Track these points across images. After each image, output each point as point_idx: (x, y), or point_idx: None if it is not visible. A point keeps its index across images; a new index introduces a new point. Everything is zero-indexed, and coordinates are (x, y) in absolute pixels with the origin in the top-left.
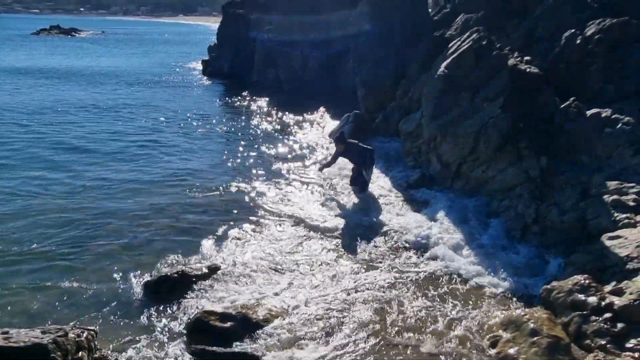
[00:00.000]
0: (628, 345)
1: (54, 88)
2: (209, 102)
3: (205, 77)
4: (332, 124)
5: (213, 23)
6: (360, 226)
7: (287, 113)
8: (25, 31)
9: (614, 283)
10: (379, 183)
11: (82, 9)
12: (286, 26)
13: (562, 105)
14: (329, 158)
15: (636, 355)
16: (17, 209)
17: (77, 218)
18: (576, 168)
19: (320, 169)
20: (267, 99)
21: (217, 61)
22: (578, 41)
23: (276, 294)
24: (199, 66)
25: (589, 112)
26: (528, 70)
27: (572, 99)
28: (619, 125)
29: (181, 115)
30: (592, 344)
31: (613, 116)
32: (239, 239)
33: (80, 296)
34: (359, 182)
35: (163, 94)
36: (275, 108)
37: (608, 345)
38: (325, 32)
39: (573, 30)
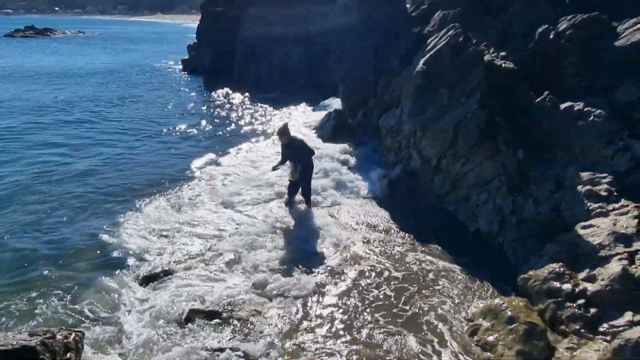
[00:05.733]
0: (600, 329)
1: (32, 88)
2: (188, 98)
3: (185, 75)
4: (313, 121)
5: (192, 22)
6: (341, 224)
7: (266, 109)
8: (0, 32)
9: (587, 270)
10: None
11: (57, 9)
12: (266, 21)
13: (537, 100)
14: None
15: (608, 338)
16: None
17: (60, 217)
18: (551, 160)
19: (274, 169)
20: (247, 94)
21: (197, 59)
22: (551, 36)
23: (262, 289)
24: (179, 64)
25: (562, 106)
26: (503, 65)
27: (546, 93)
28: (591, 118)
29: (160, 114)
30: (567, 329)
31: (585, 109)
32: (222, 236)
33: (69, 298)
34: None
35: (145, 93)
36: (254, 104)
37: (582, 330)
38: (305, 27)
39: (546, 26)
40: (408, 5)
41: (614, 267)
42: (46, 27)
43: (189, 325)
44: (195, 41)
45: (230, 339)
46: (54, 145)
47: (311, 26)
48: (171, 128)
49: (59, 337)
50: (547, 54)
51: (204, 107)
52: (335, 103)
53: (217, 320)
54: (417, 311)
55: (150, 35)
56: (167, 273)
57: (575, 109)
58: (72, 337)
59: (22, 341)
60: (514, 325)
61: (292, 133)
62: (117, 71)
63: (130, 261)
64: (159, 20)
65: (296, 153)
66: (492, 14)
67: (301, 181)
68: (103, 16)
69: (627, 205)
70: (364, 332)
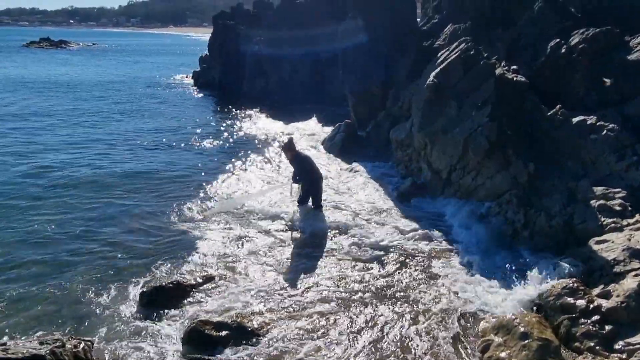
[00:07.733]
0: (616, 346)
1: (47, 98)
2: (198, 112)
3: (196, 88)
4: (322, 134)
5: (203, 34)
6: (352, 236)
7: (276, 124)
8: (15, 43)
9: (601, 286)
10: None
11: (71, 21)
12: (275, 38)
13: (549, 113)
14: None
15: (624, 356)
16: (8, 217)
17: (70, 228)
18: (562, 173)
19: (294, 180)
20: (256, 109)
21: (208, 72)
22: (563, 50)
23: (270, 303)
24: (190, 77)
25: (574, 119)
26: (514, 78)
27: (558, 106)
28: (604, 132)
29: (170, 128)
30: (582, 346)
31: (598, 123)
32: (231, 249)
33: (77, 306)
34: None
35: (154, 107)
36: (264, 119)
37: (597, 347)
38: (313, 47)
39: (558, 40)
40: (419, 20)
41: (630, 283)
42: (61, 39)
43: (197, 336)
44: (207, 53)
45: (238, 351)
46: (56, 151)
47: (320, 45)
48: (181, 142)
49: (68, 346)
50: (559, 66)
51: (214, 122)
52: (343, 116)
53: (226, 332)
54: (426, 326)
55: (162, 48)
56: (176, 284)
57: (588, 122)
58: (81, 346)
59: (32, 350)
60: (527, 341)
61: (299, 148)
62: (127, 83)
63: (141, 273)
64: (171, 33)
65: (302, 169)
66: (501, 28)
67: (312, 193)
68: (116, 28)
69: None
70: (373, 347)
